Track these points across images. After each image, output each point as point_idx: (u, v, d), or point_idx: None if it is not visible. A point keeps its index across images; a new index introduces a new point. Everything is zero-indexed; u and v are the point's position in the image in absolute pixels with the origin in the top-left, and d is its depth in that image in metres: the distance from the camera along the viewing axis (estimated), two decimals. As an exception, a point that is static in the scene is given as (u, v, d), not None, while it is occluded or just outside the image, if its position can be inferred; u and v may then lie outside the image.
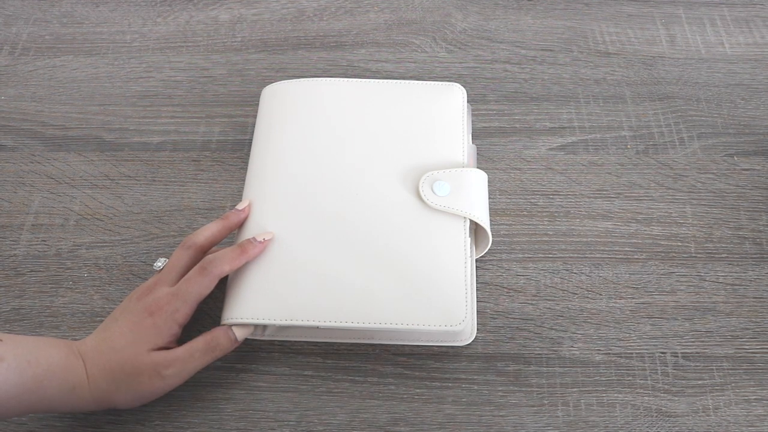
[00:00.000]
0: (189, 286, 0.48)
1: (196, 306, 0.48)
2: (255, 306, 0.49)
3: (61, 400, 0.44)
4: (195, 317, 0.53)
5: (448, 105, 0.59)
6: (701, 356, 0.52)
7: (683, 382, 0.51)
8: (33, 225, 0.58)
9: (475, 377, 0.51)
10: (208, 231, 0.52)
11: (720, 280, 0.56)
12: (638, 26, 0.72)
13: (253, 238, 0.51)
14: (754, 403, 0.50)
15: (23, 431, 0.49)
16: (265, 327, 0.52)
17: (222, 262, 0.49)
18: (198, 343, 0.47)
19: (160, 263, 0.52)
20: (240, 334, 0.49)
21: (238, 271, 0.51)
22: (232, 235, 0.55)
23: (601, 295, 0.55)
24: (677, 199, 0.60)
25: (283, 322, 0.49)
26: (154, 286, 0.49)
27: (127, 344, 0.46)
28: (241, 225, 0.54)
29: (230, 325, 0.49)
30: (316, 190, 0.54)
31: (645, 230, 0.58)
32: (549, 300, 0.55)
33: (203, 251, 0.51)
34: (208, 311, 0.54)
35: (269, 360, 0.52)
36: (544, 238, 0.58)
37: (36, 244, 0.57)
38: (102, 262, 0.56)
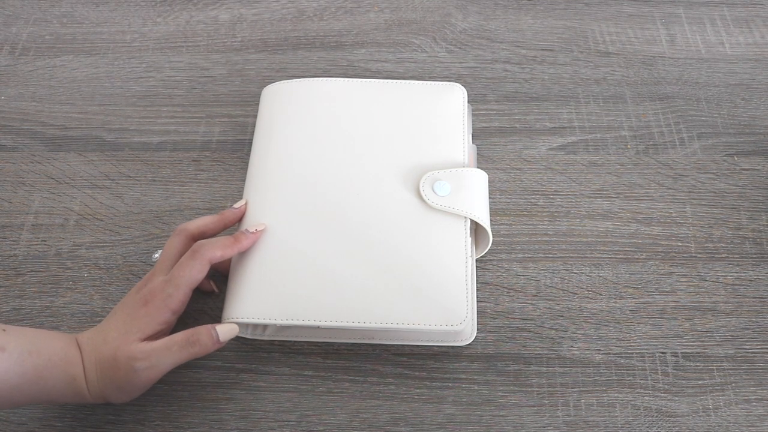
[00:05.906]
0: (180, 270, 0.47)
1: (190, 292, 0.48)
2: (255, 305, 0.49)
3: (62, 392, 0.44)
4: (195, 317, 0.53)
5: (449, 105, 0.59)
6: (701, 356, 0.52)
7: (683, 382, 0.51)
8: (33, 225, 0.58)
9: (475, 377, 0.51)
10: (200, 221, 0.52)
11: (720, 280, 0.56)
12: (638, 26, 0.72)
13: (245, 229, 0.51)
14: (754, 403, 0.50)
15: (23, 431, 0.49)
16: (265, 327, 0.52)
17: (213, 247, 0.49)
18: (178, 337, 0.46)
19: (157, 255, 0.53)
20: (223, 334, 0.47)
21: (239, 270, 0.51)
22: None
23: (601, 295, 0.55)
24: (677, 199, 0.60)
25: (284, 322, 0.49)
26: (151, 277, 0.49)
27: (118, 336, 0.45)
28: (239, 223, 0.54)
29: (216, 324, 0.49)
30: (316, 190, 0.54)
31: (645, 230, 0.58)
32: (549, 300, 0.55)
33: (194, 239, 0.51)
34: (208, 311, 0.54)
35: (269, 360, 0.52)
36: (544, 238, 0.58)
37: (36, 244, 0.57)
38: (102, 262, 0.56)
